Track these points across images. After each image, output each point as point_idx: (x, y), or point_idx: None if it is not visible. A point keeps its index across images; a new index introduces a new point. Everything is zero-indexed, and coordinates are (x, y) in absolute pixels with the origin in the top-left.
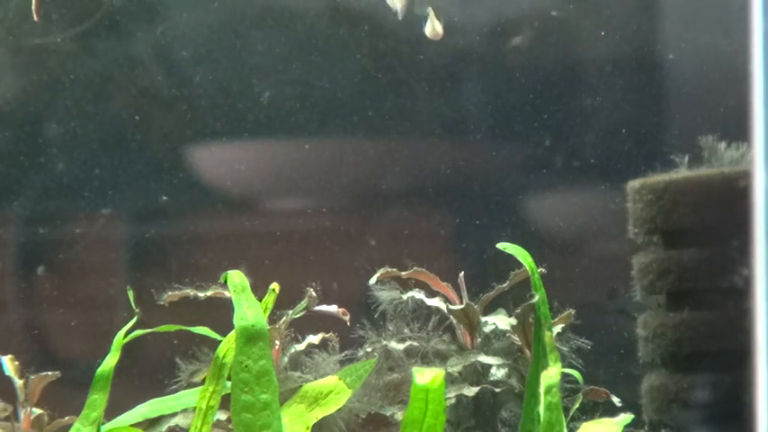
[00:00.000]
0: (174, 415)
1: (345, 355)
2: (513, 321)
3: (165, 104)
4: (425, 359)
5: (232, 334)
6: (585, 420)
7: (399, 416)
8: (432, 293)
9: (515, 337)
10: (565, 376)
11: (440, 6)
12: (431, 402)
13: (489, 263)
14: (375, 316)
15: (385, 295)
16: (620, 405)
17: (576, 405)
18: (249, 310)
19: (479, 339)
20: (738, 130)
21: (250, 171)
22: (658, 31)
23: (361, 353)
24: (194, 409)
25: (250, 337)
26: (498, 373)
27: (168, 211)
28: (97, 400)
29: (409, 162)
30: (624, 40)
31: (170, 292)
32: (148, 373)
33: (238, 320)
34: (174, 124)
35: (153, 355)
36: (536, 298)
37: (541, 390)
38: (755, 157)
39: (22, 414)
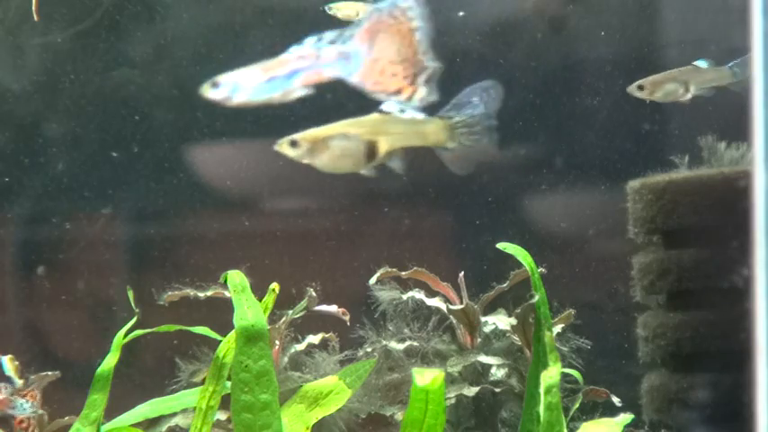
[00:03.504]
0: (174, 415)
1: (345, 355)
2: (513, 321)
3: (165, 104)
4: (425, 359)
5: (232, 334)
6: (585, 420)
7: (399, 416)
8: (432, 293)
9: (515, 337)
10: (565, 376)
11: (441, 6)
12: (431, 403)
13: (489, 263)
14: (375, 316)
15: (385, 295)
16: (620, 405)
17: (576, 405)
18: (249, 310)
19: (479, 339)
20: (738, 130)
21: (250, 171)
22: (658, 31)
23: (361, 353)
24: (194, 409)
25: (250, 337)
26: (498, 373)
27: (168, 212)
28: (97, 400)
29: (409, 162)
30: (624, 40)
31: (170, 292)
32: (148, 373)
33: (238, 320)
34: (174, 124)
35: (153, 355)
36: (536, 298)
37: (541, 390)
38: (755, 157)
39: None
